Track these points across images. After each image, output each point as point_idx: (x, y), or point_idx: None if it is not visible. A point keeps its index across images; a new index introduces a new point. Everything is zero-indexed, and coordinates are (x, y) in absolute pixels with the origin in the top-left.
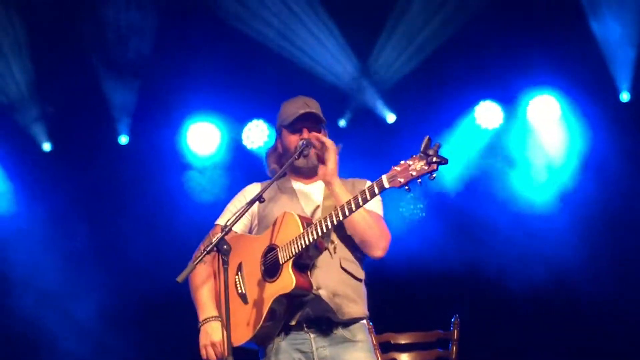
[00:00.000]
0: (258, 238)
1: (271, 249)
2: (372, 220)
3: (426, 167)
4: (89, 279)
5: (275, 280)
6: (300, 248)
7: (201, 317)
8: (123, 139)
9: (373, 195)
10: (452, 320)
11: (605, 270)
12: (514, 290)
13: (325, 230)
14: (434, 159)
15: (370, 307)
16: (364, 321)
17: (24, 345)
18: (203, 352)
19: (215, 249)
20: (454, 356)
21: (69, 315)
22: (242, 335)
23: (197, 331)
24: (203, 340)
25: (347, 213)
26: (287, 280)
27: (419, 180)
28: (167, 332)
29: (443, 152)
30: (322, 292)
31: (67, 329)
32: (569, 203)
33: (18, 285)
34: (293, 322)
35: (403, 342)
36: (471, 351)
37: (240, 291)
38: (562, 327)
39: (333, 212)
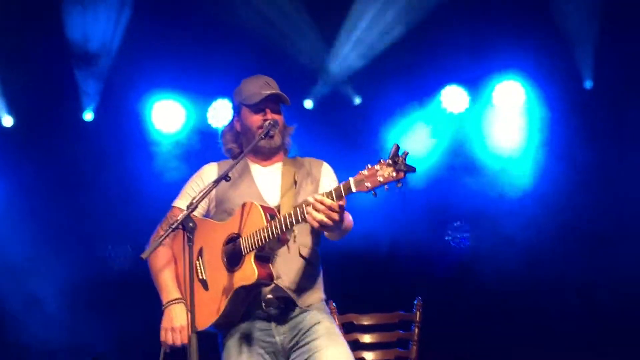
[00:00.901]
0: (220, 225)
1: (233, 238)
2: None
3: (394, 175)
4: (53, 256)
5: (236, 270)
6: (263, 241)
7: (164, 300)
8: (88, 115)
9: (340, 198)
10: (415, 302)
11: (571, 252)
12: (478, 271)
13: (289, 227)
14: (402, 167)
15: (333, 288)
16: (322, 303)
17: None
18: (163, 335)
19: (181, 226)
20: (416, 338)
21: (32, 293)
22: (204, 321)
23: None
24: (165, 323)
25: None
26: (249, 271)
27: (386, 187)
28: (130, 309)
29: (408, 140)
30: (281, 282)
31: (31, 306)
32: (536, 186)
33: None
34: (254, 307)
35: (366, 323)
36: (433, 333)
37: (200, 277)
38: (529, 309)
39: (299, 210)
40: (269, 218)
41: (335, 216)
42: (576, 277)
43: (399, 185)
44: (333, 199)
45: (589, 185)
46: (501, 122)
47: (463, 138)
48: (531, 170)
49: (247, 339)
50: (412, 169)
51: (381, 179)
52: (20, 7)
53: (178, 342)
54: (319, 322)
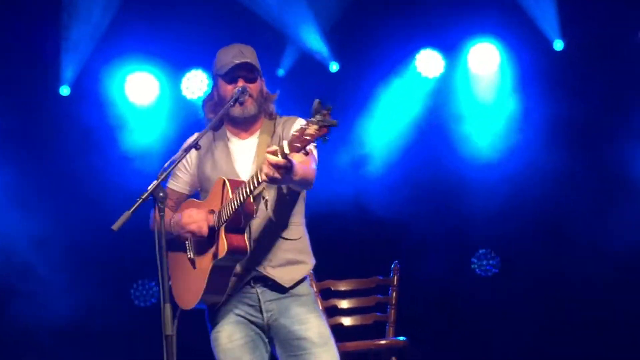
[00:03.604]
0: (202, 204)
1: (211, 213)
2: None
3: (318, 131)
4: (27, 231)
5: (213, 246)
6: (229, 213)
7: (178, 222)
8: (65, 90)
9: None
10: (392, 266)
11: (536, 223)
12: (452, 236)
13: (250, 192)
14: (324, 123)
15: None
16: (306, 281)
17: None
18: (186, 231)
19: (150, 196)
20: (394, 302)
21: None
22: (190, 300)
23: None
24: (185, 223)
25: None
26: (221, 245)
27: (314, 144)
28: (104, 282)
29: (386, 100)
30: (263, 269)
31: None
32: (506, 152)
33: None
34: (242, 283)
35: (343, 288)
36: (410, 297)
37: (189, 256)
38: (501, 273)
39: (251, 178)
40: (234, 190)
41: (278, 174)
42: (546, 247)
43: (325, 140)
44: (277, 156)
45: (562, 148)
46: (476, 85)
47: (439, 103)
48: (506, 134)
49: (235, 313)
50: (333, 123)
51: (308, 137)
52: None
53: (203, 228)
54: (309, 314)
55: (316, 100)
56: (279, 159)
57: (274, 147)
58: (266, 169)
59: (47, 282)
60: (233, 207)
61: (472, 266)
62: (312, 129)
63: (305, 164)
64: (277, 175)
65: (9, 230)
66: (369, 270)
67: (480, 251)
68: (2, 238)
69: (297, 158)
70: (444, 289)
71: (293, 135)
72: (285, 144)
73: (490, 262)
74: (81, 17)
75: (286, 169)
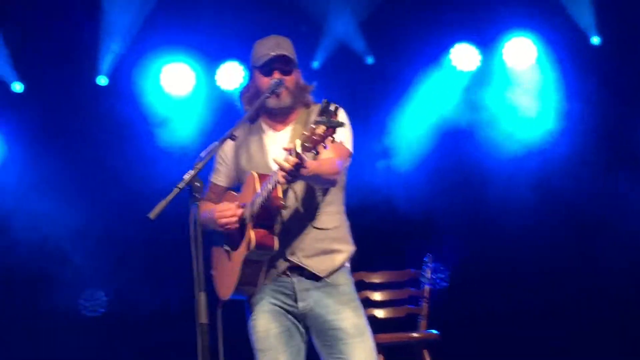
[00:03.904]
0: (237, 197)
1: (242, 207)
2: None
3: (326, 131)
4: (71, 222)
5: (243, 240)
6: (257, 207)
7: (213, 212)
8: (102, 80)
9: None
10: (425, 259)
11: (584, 215)
12: (492, 232)
13: (269, 190)
14: (332, 123)
15: None
16: (344, 269)
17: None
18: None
19: (187, 186)
20: (426, 295)
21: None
22: (226, 291)
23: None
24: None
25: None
26: (250, 240)
27: (323, 143)
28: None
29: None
30: (297, 259)
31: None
32: (540, 147)
33: None
34: (278, 273)
35: (376, 281)
36: (443, 290)
37: (226, 248)
38: (546, 267)
39: (273, 173)
40: (261, 185)
41: (291, 173)
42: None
43: (333, 140)
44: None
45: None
46: (513, 80)
47: (473, 96)
48: (546, 127)
49: (271, 302)
50: (340, 124)
51: (317, 137)
52: None
53: (233, 222)
54: (344, 305)
55: (324, 100)
56: (285, 162)
57: (289, 145)
58: (279, 170)
59: (83, 271)
60: (260, 201)
61: (421, 279)
62: (320, 129)
63: (321, 161)
64: (287, 175)
65: (47, 219)
66: (403, 262)
67: (430, 265)
68: (42, 227)
69: (325, 154)
70: (478, 283)
71: (303, 135)
72: (298, 144)
73: (439, 276)
74: (120, 7)
75: (297, 168)
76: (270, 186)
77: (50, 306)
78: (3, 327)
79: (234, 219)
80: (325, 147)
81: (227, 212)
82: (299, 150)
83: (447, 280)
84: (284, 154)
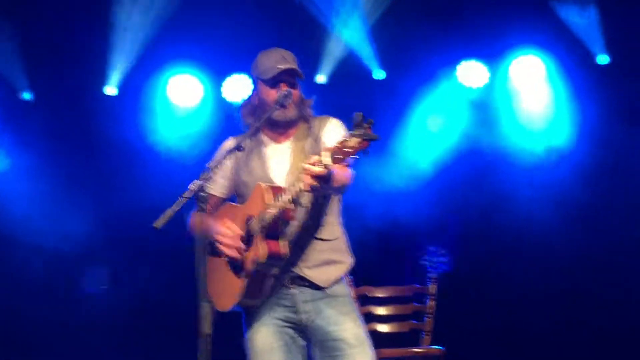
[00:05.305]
0: (239, 208)
1: (248, 220)
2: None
3: (359, 145)
4: (78, 230)
5: (250, 251)
6: (269, 219)
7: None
8: (109, 90)
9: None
10: (429, 248)
11: (595, 227)
12: (496, 244)
13: (285, 202)
14: (365, 136)
15: None
16: (343, 281)
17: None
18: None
19: (192, 196)
20: (430, 310)
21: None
22: (226, 303)
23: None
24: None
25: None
26: (259, 251)
27: (356, 156)
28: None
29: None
30: (299, 270)
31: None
32: (548, 164)
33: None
34: (279, 285)
35: (380, 295)
36: (447, 306)
37: (223, 258)
38: (550, 279)
39: (291, 185)
40: (274, 196)
41: (318, 184)
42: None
43: (366, 153)
44: (319, 167)
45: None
46: (520, 97)
47: (482, 114)
48: (554, 144)
49: (271, 316)
50: (375, 137)
51: (349, 150)
52: None
53: (225, 248)
54: (345, 316)
55: (358, 114)
56: (320, 170)
57: (315, 158)
58: (308, 179)
59: (90, 277)
60: (273, 213)
61: (422, 262)
62: (353, 142)
63: (343, 170)
64: (317, 185)
65: (54, 227)
66: (406, 277)
67: (431, 248)
68: (49, 234)
69: (337, 166)
70: (482, 300)
71: (335, 147)
72: (325, 154)
73: (441, 260)
74: (130, 18)
75: (326, 179)
76: (287, 198)
77: (56, 313)
78: (13, 334)
79: (234, 252)
80: (357, 158)
81: (227, 239)
82: (329, 161)
83: (450, 264)
84: (310, 167)
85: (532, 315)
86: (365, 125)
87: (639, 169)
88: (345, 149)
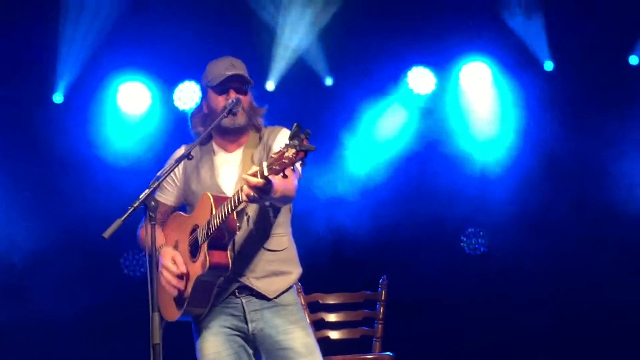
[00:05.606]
0: (187, 217)
1: (194, 229)
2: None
3: (296, 155)
4: (24, 241)
5: (195, 261)
6: (213, 229)
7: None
8: (58, 98)
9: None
10: (380, 281)
11: (539, 234)
12: (443, 250)
13: (227, 212)
14: (302, 147)
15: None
16: (292, 290)
17: None
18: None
19: (142, 205)
20: (381, 316)
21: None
22: (173, 313)
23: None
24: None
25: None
26: (204, 260)
27: (292, 168)
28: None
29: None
30: (247, 280)
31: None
32: (497, 169)
33: None
34: (227, 294)
35: (331, 302)
36: (397, 312)
37: None
38: (497, 281)
39: (233, 196)
40: (217, 207)
41: (257, 194)
42: (546, 265)
43: (302, 164)
44: (257, 177)
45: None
46: (468, 103)
47: (431, 120)
48: (501, 151)
49: (220, 324)
50: (311, 148)
51: (286, 161)
52: None
53: (166, 284)
54: (294, 325)
55: (295, 125)
56: (258, 181)
57: (254, 169)
58: (246, 189)
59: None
60: (216, 223)
61: (461, 244)
62: (290, 153)
63: (285, 181)
64: (256, 195)
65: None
66: (357, 284)
67: (469, 230)
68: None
69: (277, 177)
70: (431, 304)
71: (271, 157)
72: (264, 165)
73: (480, 240)
74: (78, 25)
75: (265, 189)
76: (228, 207)
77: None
78: None
79: (172, 290)
80: (293, 170)
81: (170, 277)
82: (266, 173)
83: (487, 245)
84: (249, 177)
85: (480, 321)
86: (302, 135)
87: (582, 172)
88: (283, 160)
